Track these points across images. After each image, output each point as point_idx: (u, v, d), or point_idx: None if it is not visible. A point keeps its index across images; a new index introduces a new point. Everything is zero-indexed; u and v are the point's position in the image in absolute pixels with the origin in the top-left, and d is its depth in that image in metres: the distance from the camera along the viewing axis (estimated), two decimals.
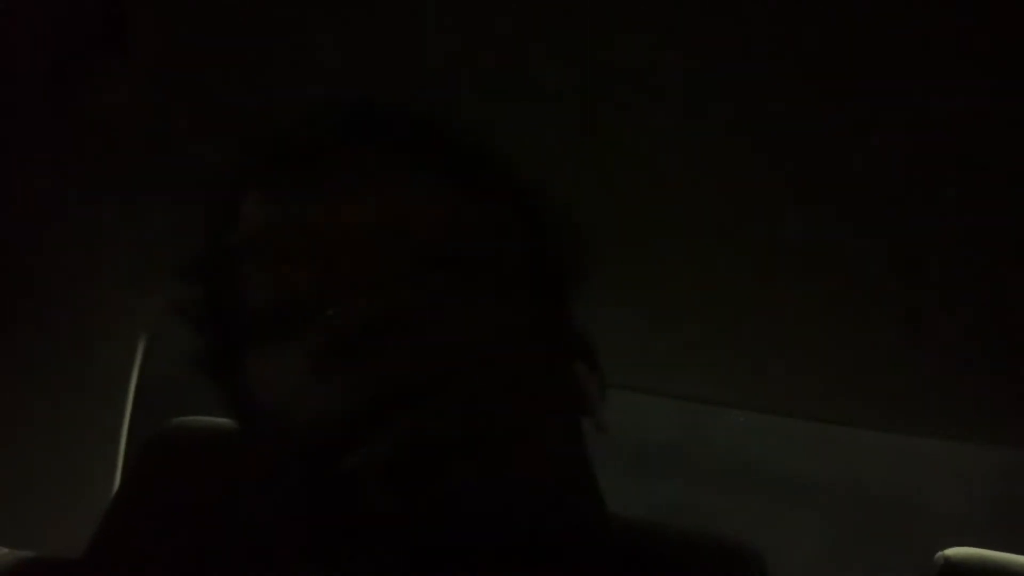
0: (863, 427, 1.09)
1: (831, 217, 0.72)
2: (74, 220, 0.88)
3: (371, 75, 0.64)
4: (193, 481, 0.77)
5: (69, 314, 0.94)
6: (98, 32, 0.66)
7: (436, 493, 0.43)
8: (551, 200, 0.57)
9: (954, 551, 0.90)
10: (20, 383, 0.92)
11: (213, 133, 0.74)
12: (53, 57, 0.70)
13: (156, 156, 0.80)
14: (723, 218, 0.74)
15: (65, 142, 0.78)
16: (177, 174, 0.83)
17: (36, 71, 0.71)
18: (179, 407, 0.82)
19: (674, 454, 2.41)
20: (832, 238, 0.74)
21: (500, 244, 0.52)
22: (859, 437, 1.20)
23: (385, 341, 0.45)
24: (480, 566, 0.44)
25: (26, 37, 0.68)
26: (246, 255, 0.51)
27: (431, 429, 0.44)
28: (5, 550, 0.74)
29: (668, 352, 0.96)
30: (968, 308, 0.79)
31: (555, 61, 0.61)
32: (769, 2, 0.53)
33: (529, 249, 0.54)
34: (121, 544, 0.76)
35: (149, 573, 0.74)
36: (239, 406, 0.53)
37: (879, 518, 2.35)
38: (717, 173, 0.69)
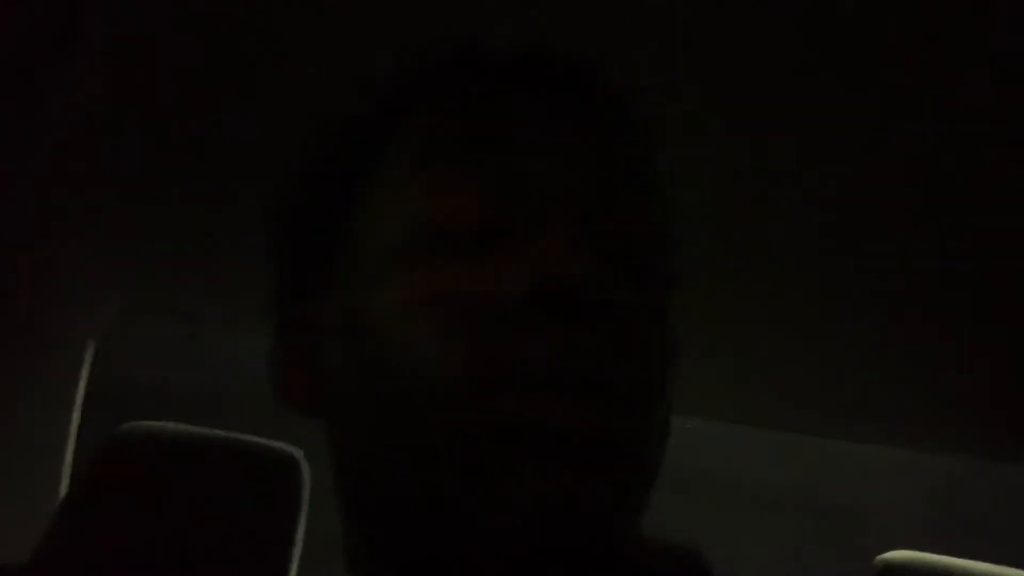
0: (813, 434, 1.10)
1: (794, 226, 0.72)
2: (24, 222, 0.87)
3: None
4: (145, 486, 0.76)
5: (17, 318, 0.93)
6: (50, 31, 0.65)
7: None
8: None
9: (893, 554, 0.91)
10: None
11: (170, 133, 0.74)
12: (5, 55, 0.69)
13: (110, 158, 0.80)
14: (688, 228, 0.74)
15: (15, 142, 0.77)
16: (132, 176, 0.82)
17: None
18: (128, 413, 0.81)
19: None
20: (794, 249, 0.75)
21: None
22: (809, 444, 1.21)
23: (580, 312, 0.40)
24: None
25: None
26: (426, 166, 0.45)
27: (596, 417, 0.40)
28: None
29: None
30: (925, 320, 0.80)
31: None
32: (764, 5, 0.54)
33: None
34: (68, 550, 0.75)
35: None
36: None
37: (831, 525, 2.37)
38: (690, 183, 0.70)
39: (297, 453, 0.78)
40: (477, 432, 0.40)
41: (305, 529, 0.77)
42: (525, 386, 0.40)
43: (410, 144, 0.46)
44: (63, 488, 0.98)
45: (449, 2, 0.60)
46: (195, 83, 0.70)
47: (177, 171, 0.80)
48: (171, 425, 0.79)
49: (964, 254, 0.72)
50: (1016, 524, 1.92)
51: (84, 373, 1.00)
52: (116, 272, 0.95)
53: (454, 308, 0.41)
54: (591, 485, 0.40)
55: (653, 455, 0.45)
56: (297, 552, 0.76)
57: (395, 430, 0.42)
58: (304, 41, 0.64)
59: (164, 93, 0.71)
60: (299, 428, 0.53)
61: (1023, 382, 0.85)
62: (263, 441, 0.78)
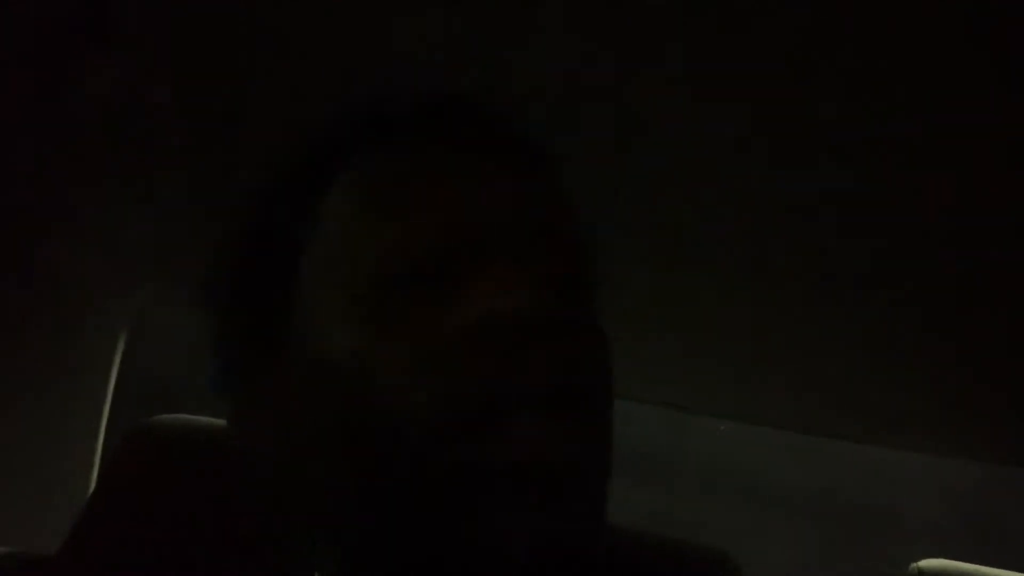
0: (842, 439, 1.09)
1: (816, 230, 0.72)
2: (55, 214, 0.87)
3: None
4: (172, 479, 0.76)
5: (49, 309, 0.93)
6: (82, 24, 0.66)
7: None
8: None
9: (927, 562, 0.90)
10: None
11: (202, 129, 0.74)
12: (37, 50, 0.69)
13: (142, 152, 0.80)
14: (707, 229, 0.74)
15: (48, 135, 0.78)
16: (164, 170, 0.82)
17: (19, 64, 0.70)
18: (158, 404, 0.82)
19: (654, 462, 2.41)
20: (815, 251, 0.74)
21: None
22: (838, 448, 1.21)
23: (530, 340, 0.42)
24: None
25: (6, 30, 0.68)
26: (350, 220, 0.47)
27: (550, 445, 0.41)
28: None
29: (649, 361, 0.96)
30: (947, 323, 0.79)
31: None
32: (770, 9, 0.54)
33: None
34: (98, 541, 0.75)
35: (126, 570, 0.74)
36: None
37: (856, 529, 2.36)
38: (698, 180, 0.70)
39: None
40: (440, 474, 0.41)
41: None
42: (485, 422, 0.41)
43: (354, 188, 0.48)
44: (93, 479, 0.99)
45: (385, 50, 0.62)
46: (223, 78, 0.70)
47: (208, 164, 0.81)
48: (200, 418, 0.79)
49: (990, 261, 0.71)
50: None
51: (115, 365, 1.01)
52: (147, 264, 0.96)
53: (405, 348, 0.42)
54: (561, 519, 0.41)
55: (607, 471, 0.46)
56: None
57: (354, 472, 0.43)
58: (318, 42, 0.65)
59: (194, 86, 0.72)
60: None
61: None
62: None
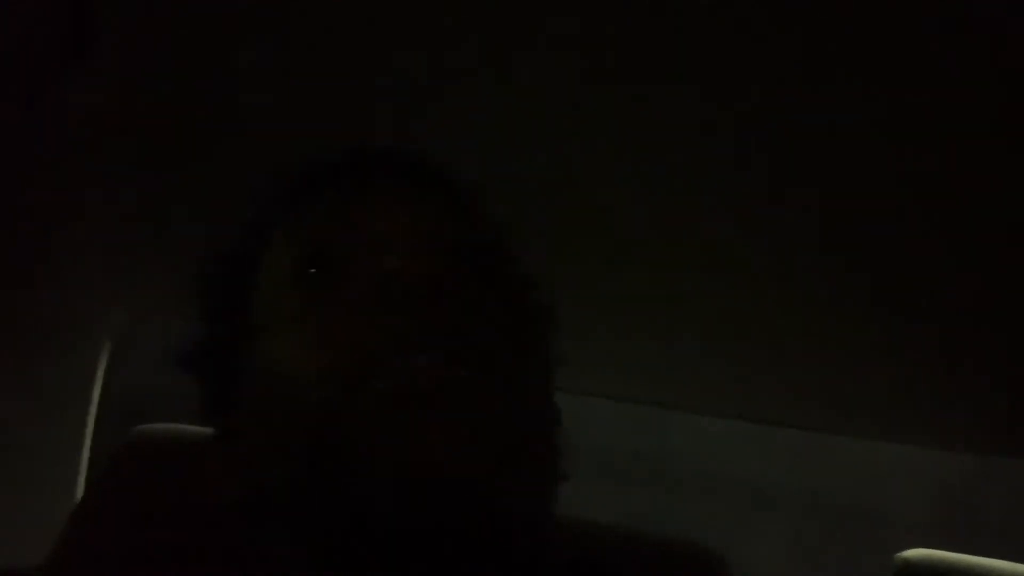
0: (826, 432, 1.10)
1: (799, 223, 0.72)
2: (39, 225, 0.87)
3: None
4: (158, 489, 0.76)
5: (33, 321, 0.93)
6: (65, 36, 0.66)
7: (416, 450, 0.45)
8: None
9: (912, 553, 0.91)
10: None
11: (189, 138, 0.74)
12: (19, 60, 0.69)
13: (125, 161, 0.80)
14: (693, 225, 0.74)
15: (31, 146, 0.78)
16: (150, 181, 0.82)
17: (3, 71, 0.70)
18: (144, 415, 0.82)
19: (642, 460, 2.42)
20: (799, 247, 0.75)
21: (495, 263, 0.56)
22: (824, 442, 1.21)
23: (426, 298, 0.48)
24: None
25: None
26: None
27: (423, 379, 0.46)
28: None
29: (636, 360, 0.97)
30: (931, 315, 0.79)
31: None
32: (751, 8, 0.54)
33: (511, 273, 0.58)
34: (84, 553, 0.75)
35: None
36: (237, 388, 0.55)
37: (842, 522, 2.37)
38: (691, 180, 0.70)
39: None
40: (350, 412, 0.46)
41: None
42: (391, 365, 0.46)
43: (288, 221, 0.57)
44: (79, 491, 0.98)
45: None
46: (207, 90, 0.70)
47: (190, 173, 0.80)
48: (187, 427, 0.79)
49: (969, 251, 0.72)
50: None
51: (100, 376, 1.00)
52: (131, 274, 0.95)
53: (320, 318, 0.50)
54: (461, 448, 0.45)
55: (526, 424, 0.49)
56: None
57: (285, 429, 0.49)
58: (315, 50, 0.66)
59: (177, 97, 0.72)
60: None
61: None
62: None
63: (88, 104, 0.72)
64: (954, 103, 0.59)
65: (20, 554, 0.78)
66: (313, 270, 0.53)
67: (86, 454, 1.00)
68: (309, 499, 0.48)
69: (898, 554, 0.91)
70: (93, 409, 1.00)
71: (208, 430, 0.58)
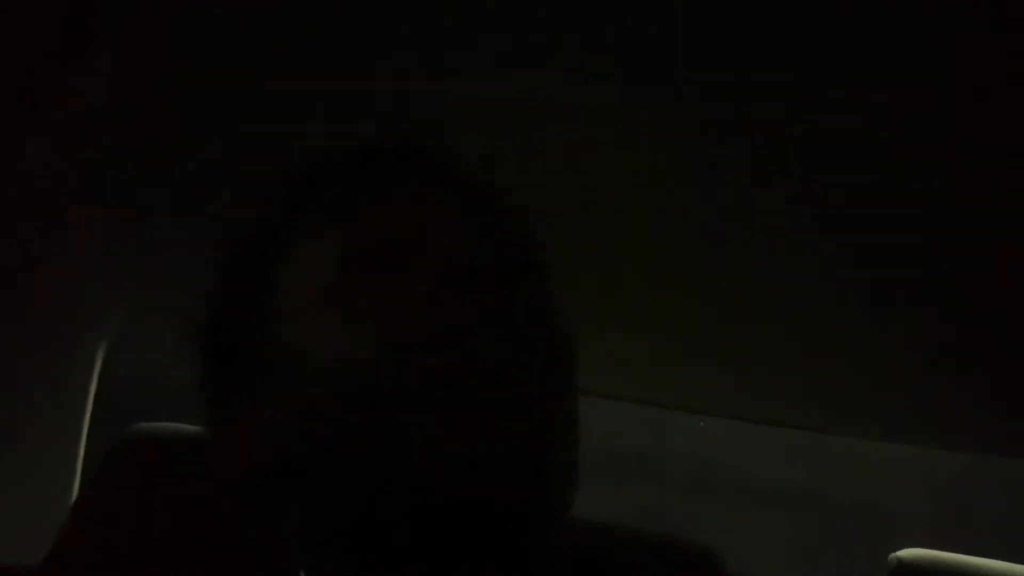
0: (823, 431, 1.10)
1: (797, 224, 0.73)
2: (36, 223, 0.87)
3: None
4: (156, 487, 0.76)
5: (29, 318, 0.93)
6: (63, 35, 0.66)
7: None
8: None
9: (907, 552, 0.91)
10: None
11: (188, 137, 0.74)
12: (19, 58, 0.69)
13: (123, 159, 0.80)
14: (690, 226, 0.74)
15: (30, 143, 0.78)
16: (145, 179, 0.82)
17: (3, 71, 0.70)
18: (139, 413, 0.82)
19: (639, 460, 2.42)
20: (794, 247, 0.75)
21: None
22: (819, 441, 1.21)
23: (481, 286, 0.49)
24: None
25: None
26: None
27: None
28: None
29: (635, 359, 0.97)
30: (929, 316, 0.80)
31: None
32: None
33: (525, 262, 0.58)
34: (81, 552, 0.75)
35: None
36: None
37: (840, 521, 2.37)
38: (687, 180, 0.70)
39: None
40: (395, 392, 0.46)
41: None
42: (441, 352, 0.47)
43: (320, 208, 0.56)
44: (75, 489, 0.98)
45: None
46: (201, 89, 0.70)
47: (185, 172, 0.80)
48: (183, 426, 0.79)
49: (966, 248, 0.72)
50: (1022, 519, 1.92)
51: (95, 374, 1.00)
52: (127, 272, 0.95)
53: (370, 308, 0.49)
54: (495, 431, 0.45)
55: (560, 417, 0.50)
56: None
57: (325, 408, 0.48)
58: (317, 54, 0.66)
59: (172, 98, 0.72)
60: None
61: None
62: None
63: (87, 102, 0.72)
64: (954, 100, 0.59)
65: (17, 552, 0.79)
66: (368, 256, 0.52)
67: (82, 453, 1.00)
68: (326, 482, 0.48)
69: (893, 554, 0.91)
70: (88, 408, 1.00)
71: (208, 420, 0.58)
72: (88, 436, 1.00)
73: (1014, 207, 0.66)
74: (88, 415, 1.00)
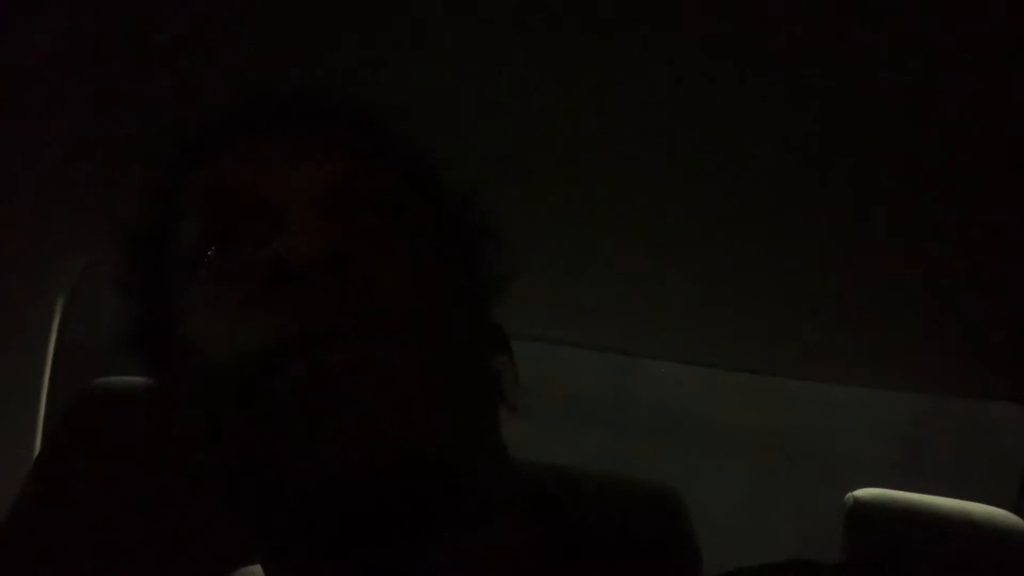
0: (781, 376, 1.11)
1: (757, 169, 0.73)
2: None
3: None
4: (116, 442, 0.76)
5: None
6: None
7: (343, 424, 0.43)
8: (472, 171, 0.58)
9: (863, 492, 0.93)
10: None
11: (135, 93, 0.73)
12: None
13: (76, 116, 0.78)
14: (650, 169, 0.74)
15: None
16: (98, 135, 0.81)
17: None
18: (99, 368, 0.81)
19: (602, 405, 2.44)
20: (753, 191, 0.75)
21: (428, 210, 0.54)
22: (779, 386, 1.23)
23: (323, 276, 0.45)
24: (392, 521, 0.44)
25: None
26: (193, 215, 0.52)
27: (347, 363, 0.44)
28: None
29: (594, 306, 0.97)
30: (893, 261, 0.80)
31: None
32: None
33: (450, 220, 0.56)
34: (43, 507, 0.75)
35: (74, 535, 0.74)
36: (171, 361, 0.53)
37: (798, 463, 2.41)
38: (651, 126, 0.70)
39: None
40: (264, 404, 0.44)
41: None
42: (299, 353, 0.44)
43: (189, 182, 0.54)
44: (36, 445, 0.97)
45: None
46: (156, 46, 0.69)
47: (141, 131, 0.79)
48: (143, 380, 0.79)
49: (928, 191, 0.72)
50: (979, 460, 1.97)
51: (54, 330, 0.99)
52: (84, 228, 0.94)
53: (222, 305, 0.48)
54: (386, 429, 0.42)
55: (448, 378, 0.47)
56: None
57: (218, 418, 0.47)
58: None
59: (126, 56, 0.70)
60: None
61: (987, 317, 0.86)
62: None
63: (42, 55, 0.70)
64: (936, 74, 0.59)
65: None
66: (209, 253, 0.50)
67: (42, 409, 0.99)
68: (239, 474, 0.47)
69: (849, 493, 0.93)
70: (48, 364, 0.99)
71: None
72: (48, 392, 0.99)
73: (978, 148, 0.67)
74: (48, 370, 0.99)
